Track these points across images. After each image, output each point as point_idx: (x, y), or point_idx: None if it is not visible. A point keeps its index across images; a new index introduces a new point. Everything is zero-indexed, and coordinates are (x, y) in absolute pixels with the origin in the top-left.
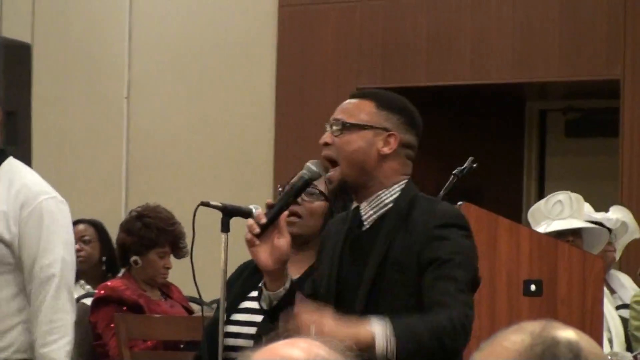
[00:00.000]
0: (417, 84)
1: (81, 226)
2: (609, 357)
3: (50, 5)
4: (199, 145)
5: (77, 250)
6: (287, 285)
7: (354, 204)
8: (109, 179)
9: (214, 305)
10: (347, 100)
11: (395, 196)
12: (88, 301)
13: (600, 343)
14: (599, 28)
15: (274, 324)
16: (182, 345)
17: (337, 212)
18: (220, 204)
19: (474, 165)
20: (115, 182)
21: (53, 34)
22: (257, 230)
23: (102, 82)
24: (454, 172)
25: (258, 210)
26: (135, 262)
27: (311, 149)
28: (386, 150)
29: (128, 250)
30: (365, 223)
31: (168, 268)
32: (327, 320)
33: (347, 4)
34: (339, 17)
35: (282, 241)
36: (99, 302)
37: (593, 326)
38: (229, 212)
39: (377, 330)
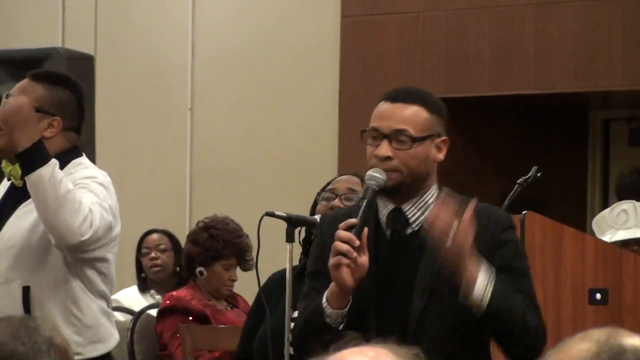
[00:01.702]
0: (480, 93)
1: (155, 235)
2: None
3: (112, 17)
4: (262, 156)
5: (153, 259)
6: (350, 299)
7: (386, 206)
8: (173, 190)
9: None
10: (397, 105)
11: (433, 193)
12: (154, 312)
13: None
14: None
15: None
16: None
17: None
18: (285, 214)
19: (538, 175)
20: (180, 194)
21: (115, 45)
22: (355, 254)
23: (165, 94)
24: (518, 181)
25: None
26: (201, 272)
27: None
28: (440, 156)
29: (193, 261)
30: (413, 225)
31: (233, 280)
32: (468, 231)
33: (409, 14)
34: (401, 27)
35: (365, 259)
36: (164, 312)
37: None
38: (294, 222)
39: (483, 272)
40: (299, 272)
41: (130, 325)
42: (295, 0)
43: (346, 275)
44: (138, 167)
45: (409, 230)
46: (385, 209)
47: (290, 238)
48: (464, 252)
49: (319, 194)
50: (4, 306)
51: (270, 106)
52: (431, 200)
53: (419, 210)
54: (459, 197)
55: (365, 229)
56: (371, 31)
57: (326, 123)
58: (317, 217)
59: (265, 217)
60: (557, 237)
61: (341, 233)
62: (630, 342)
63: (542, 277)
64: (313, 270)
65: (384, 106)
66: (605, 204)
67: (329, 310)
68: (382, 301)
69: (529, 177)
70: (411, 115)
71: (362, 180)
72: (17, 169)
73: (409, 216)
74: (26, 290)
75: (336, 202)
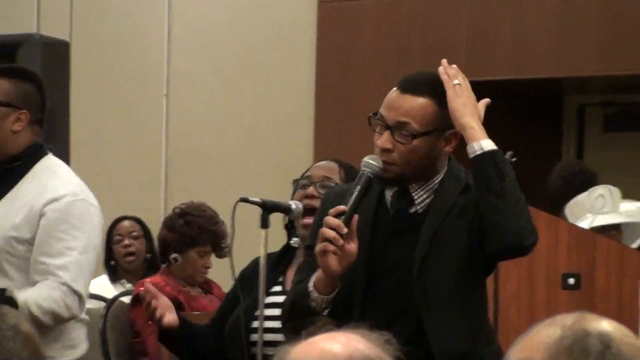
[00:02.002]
0: None
1: (127, 222)
2: None
3: (88, 3)
4: (238, 142)
5: (127, 246)
6: (338, 285)
7: (393, 187)
8: (148, 176)
9: None
10: (405, 97)
11: (441, 177)
12: (126, 299)
13: (637, 335)
14: (638, 22)
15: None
16: None
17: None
18: (259, 200)
19: (514, 160)
20: (155, 180)
21: (91, 31)
22: (341, 242)
23: (141, 80)
24: None
25: (298, 205)
26: (175, 259)
27: (351, 145)
28: (449, 149)
29: (168, 247)
30: (419, 207)
31: (208, 267)
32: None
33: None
34: (378, 12)
35: (353, 246)
36: (138, 299)
37: (630, 319)
38: (268, 208)
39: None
40: (278, 256)
41: (103, 313)
42: None
43: (332, 262)
44: (114, 153)
45: (414, 210)
46: (392, 189)
47: (264, 224)
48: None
49: (296, 181)
50: None
51: (246, 92)
52: (437, 182)
53: (425, 192)
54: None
55: (356, 217)
56: (348, 17)
57: (302, 109)
58: (292, 202)
59: (240, 203)
60: None
61: (329, 219)
62: (595, 326)
63: (516, 262)
64: (309, 244)
65: (393, 94)
66: None
67: (314, 294)
68: (373, 281)
69: None
70: (416, 109)
71: (341, 166)
72: None
73: (415, 197)
74: (1, 293)
75: (311, 189)
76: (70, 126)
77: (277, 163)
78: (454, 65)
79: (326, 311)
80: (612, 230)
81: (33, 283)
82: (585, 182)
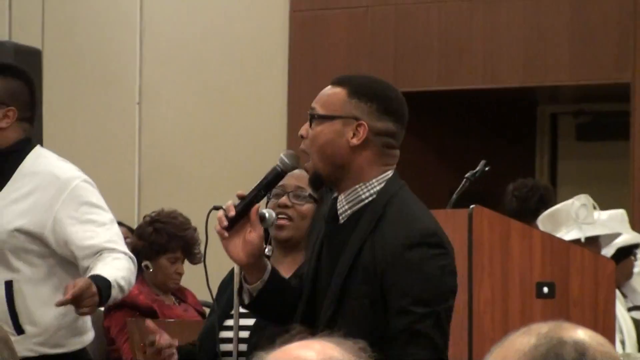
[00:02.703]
0: (429, 88)
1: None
2: (621, 359)
3: (60, 11)
4: (211, 150)
5: None
6: (266, 277)
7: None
8: (122, 184)
9: None
10: (326, 88)
11: (373, 192)
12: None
13: (613, 345)
14: (609, 32)
15: (258, 317)
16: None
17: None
18: None
19: (487, 169)
20: (128, 188)
21: (63, 39)
22: (225, 223)
23: (113, 88)
24: (466, 175)
25: (271, 213)
26: (147, 266)
27: None
28: (355, 141)
29: (139, 255)
30: (340, 218)
31: (180, 274)
32: None
33: (358, 8)
34: (350, 21)
35: (254, 235)
36: (112, 307)
37: (605, 328)
38: (242, 217)
39: None
40: None
41: None
42: None
43: (232, 248)
44: (86, 161)
45: (339, 222)
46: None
47: None
48: None
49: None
50: None
51: (218, 101)
52: (366, 195)
53: (347, 203)
54: (401, 205)
55: (256, 206)
56: (320, 26)
57: (274, 118)
58: (265, 211)
59: (214, 211)
60: (505, 231)
61: (228, 204)
62: (570, 335)
63: (490, 271)
64: (299, 273)
65: None
66: None
67: (244, 284)
68: (314, 295)
69: (477, 171)
70: (325, 96)
71: None
72: None
73: (338, 208)
74: (9, 285)
75: (284, 199)
76: (43, 134)
77: (250, 171)
78: None
79: (248, 301)
80: (594, 241)
81: (84, 270)
82: (540, 198)
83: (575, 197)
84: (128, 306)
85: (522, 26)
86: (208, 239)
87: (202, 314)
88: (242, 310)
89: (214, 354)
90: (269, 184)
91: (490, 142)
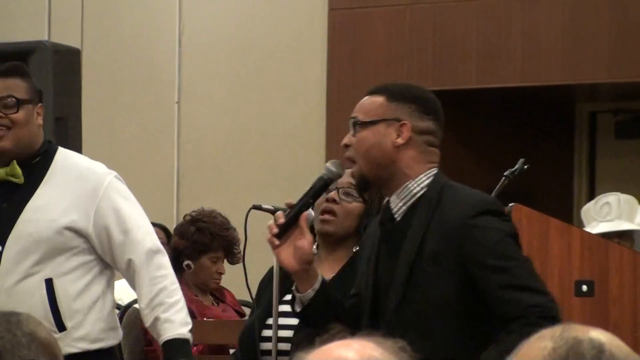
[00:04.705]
0: (468, 86)
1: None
2: None
3: (99, 10)
4: (250, 149)
5: None
6: (317, 286)
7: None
8: (161, 184)
9: None
10: (364, 98)
11: (423, 185)
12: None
13: None
14: None
15: (309, 326)
16: (232, 350)
17: (374, 213)
18: (272, 207)
19: (525, 167)
20: (167, 187)
21: (103, 38)
22: (275, 230)
23: (152, 87)
24: (505, 173)
25: (311, 213)
26: (188, 266)
27: None
28: (400, 140)
29: (181, 255)
30: (396, 216)
31: (221, 273)
32: None
33: (397, 7)
34: (388, 20)
35: (304, 242)
36: None
37: None
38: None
39: None
40: None
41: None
42: None
43: (284, 256)
44: (125, 160)
45: (395, 221)
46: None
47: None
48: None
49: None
50: (27, 300)
51: (257, 99)
52: (417, 190)
53: (401, 201)
54: (455, 188)
55: (305, 213)
56: (358, 24)
57: (314, 116)
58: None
59: (253, 211)
60: (544, 229)
61: (278, 212)
62: (584, 333)
63: None
64: (354, 292)
65: None
66: (591, 196)
67: (295, 293)
68: (377, 293)
69: (515, 170)
70: (365, 104)
71: None
72: (13, 168)
73: (392, 207)
74: (49, 283)
75: (332, 194)
76: (82, 133)
77: (289, 170)
78: None
79: (300, 310)
80: (615, 238)
81: (127, 263)
82: None
83: (602, 195)
84: None
85: (561, 23)
86: (247, 239)
87: (240, 314)
88: (282, 309)
89: (254, 352)
90: (316, 193)
91: (529, 140)
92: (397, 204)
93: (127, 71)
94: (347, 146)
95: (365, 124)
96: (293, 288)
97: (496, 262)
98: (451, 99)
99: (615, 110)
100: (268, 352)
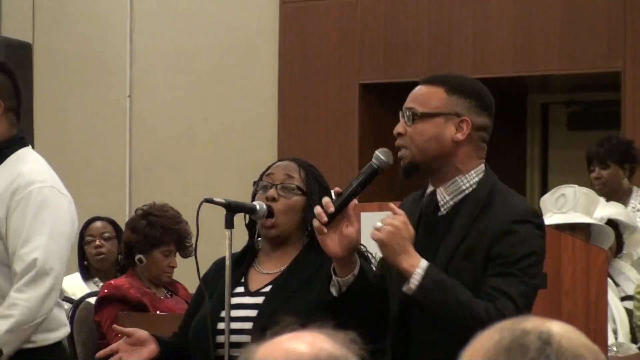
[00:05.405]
0: (419, 78)
1: (99, 223)
2: (614, 348)
3: (50, 4)
4: (202, 142)
5: (98, 247)
6: (356, 271)
7: (429, 188)
8: (113, 177)
9: None
10: (418, 87)
11: (472, 182)
12: (93, 300)
13: (605, 334)
14: (600, 21)
15: (344, 311)
16: None
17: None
18: (224, 201)
19: None
20: (119, 181)
21: (54, 32)
22: (325, 219)
23: (104, 81)
24: None
25: (263, 206)
26: (140, 260)
27: (314, 146)
28: (459, 136)
29: (133, 249)
30: (442, 209)
31: (173, 267)
32: (401, 220)
33: (348, 0)
34: (340, 12)
35: (351, 230)
36: (102, 301)
37: (598, 318)
38: (232, 209)
39: (422, 266)
40: (239, 257)
41: (70, 314)
42: None
43: (328, 241)
44: (77, 154)
45: (439, 214)
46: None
47: (229, 224)
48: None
49: (256, 182)
50: None
51: (209, 93)
52: (466, 187)
53: (449, 195)
54: (505, 192)
55: (354, 202)
56: (310, 17)
57: (265, 110)
58: (256, 203)
59: (205, 204)
60: None
61: (324, 199)
62: (534, 325)
63: None
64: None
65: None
66: (544, 187)
67: (334, 277)
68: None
69: None
70: (423, 95)
71: (300, 166)
72: None
73: (439, 200)
74: None
75: (272, 192)
76: (34, 128)
77: (240, 164)
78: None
79: (339, 294)
80: (566, 230)
81: (14, 271)
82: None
83: (558, 187)
84: (118, 300)
85: (512, 15)
86: (199, 232)
87: None
88: (234, 301)
89: (207, 346)
90: (365, 181)
91: None
92: (444, 198)
93: (79, 65)
94: (400, 135)
95: (424, 116)
96: (331, 272)
97: (508, 270)
98: (403, 91)
99: (567, 101)
100: (221, 345)
